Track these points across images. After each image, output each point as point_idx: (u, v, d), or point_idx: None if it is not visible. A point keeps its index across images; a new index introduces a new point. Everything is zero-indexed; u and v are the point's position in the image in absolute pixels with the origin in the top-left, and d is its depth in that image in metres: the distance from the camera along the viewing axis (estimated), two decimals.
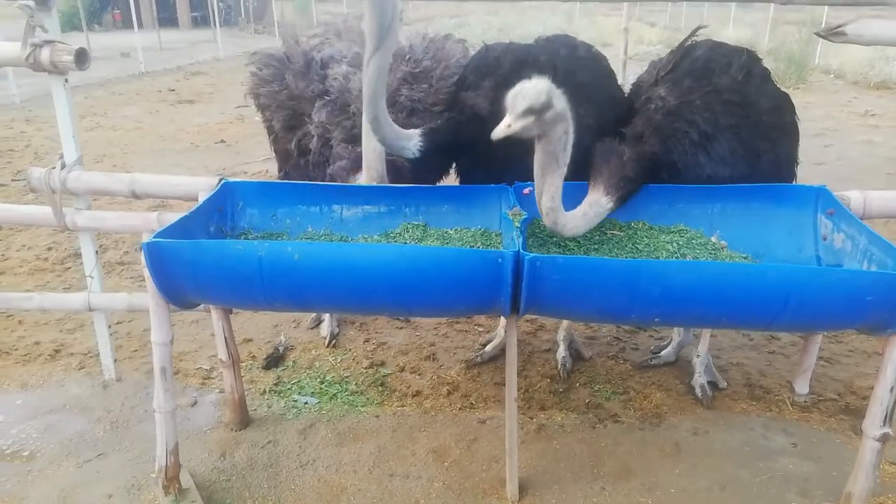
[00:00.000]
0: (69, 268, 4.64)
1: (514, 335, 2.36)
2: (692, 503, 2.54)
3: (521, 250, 2.00)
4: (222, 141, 8.65)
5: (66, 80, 2.72)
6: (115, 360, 3.27)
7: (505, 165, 2.52)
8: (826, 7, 12.88)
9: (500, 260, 1.97)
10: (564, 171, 2.20)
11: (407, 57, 2.99)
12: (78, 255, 4.79)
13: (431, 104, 2.91)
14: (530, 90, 2.01)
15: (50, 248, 4.95)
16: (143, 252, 2.07)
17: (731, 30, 22.94)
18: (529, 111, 2.01)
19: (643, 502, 2.55)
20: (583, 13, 28.49)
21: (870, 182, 6.53)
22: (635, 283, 1.95)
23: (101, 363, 3.27)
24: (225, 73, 15.16)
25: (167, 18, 28.58)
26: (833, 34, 2.29)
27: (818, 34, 2.39)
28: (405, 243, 2.55)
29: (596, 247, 2.49)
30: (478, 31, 20.99)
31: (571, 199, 2.51)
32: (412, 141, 2.44)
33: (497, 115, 2.58)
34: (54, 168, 2.78)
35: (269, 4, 27.31)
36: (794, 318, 1.99)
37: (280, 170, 3.58)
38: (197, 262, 2.05)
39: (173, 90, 12.64)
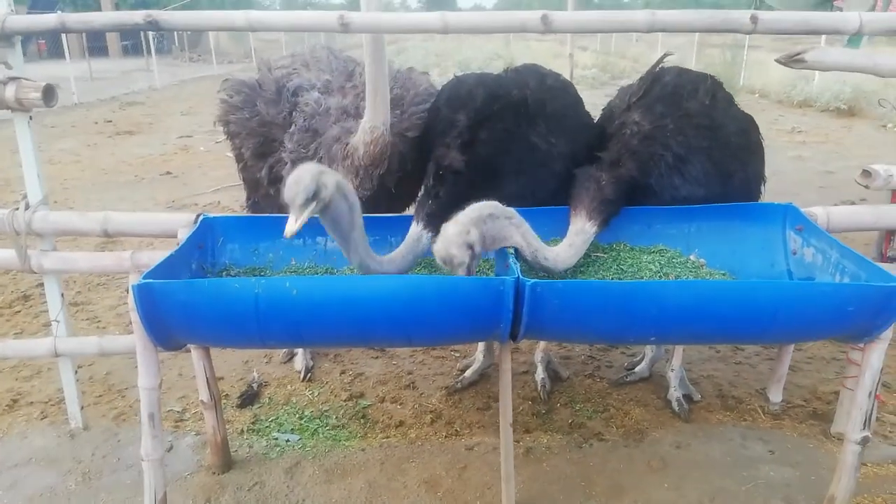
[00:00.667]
0: (18, 311, 4.41)
1: (509, 360, 2.37)
2: None
3: (521, 276, 2.03)
4: (168, 172, 8.41)
5: (31, 118, 2.61)
6: (82, 408, 3.11)
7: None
8: None
9: (501, 287, 1.99)
10: (521, 230, 2.32)
11: None
12: (27, 298, 4.57)
13: (405, 129, 2.94)
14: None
15: None
16: (132, 294, 1.99)
17: (659, 52, 23.99)
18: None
19: None
20: (517, 38, 29.20)
21: (805, 196, 6.89)
22: (633, 305, 2.00)
23: (67, 411, 3.11)
24: (162, 102, 14.81)
25: (96, 47, 27.78)
26: (793, 61, 2.44)
27: (778, 61, 2.53)
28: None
29: (582, 269, 2.54)
30: (418, 56, 21.28)
31: (554, 224, 2.57)
32: (422, 241, 2.52)
33: (472, 165, 2.62)
34: (17, 209, 2.66)
35: (203, 32, 26.91)
36: (782, 330, 2.09)
37: (248, 199, 3.53)
38: (190, 303, 1.99)
39: (110, 121, 12.26)
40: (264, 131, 3.04)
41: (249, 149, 3.12)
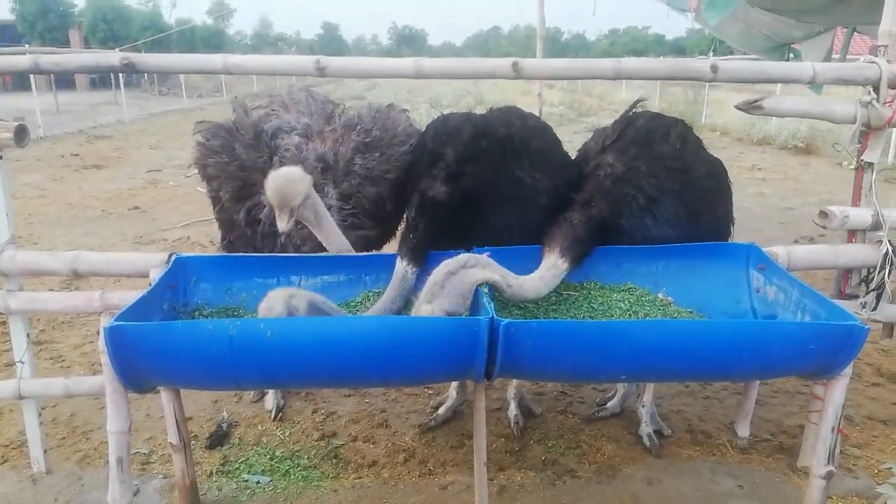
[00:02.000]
0: None
1: (483, 400, 2.39)
2: None
3: (495, 316, 2.06)
4: (136, 207, 8.32)
5: (1, 157, 2.59)
6: (45, 451, 3.02)
7: (469, 235, 2.59)
8: None
9: (476, 327, 2.02)
10: (483, 267, 2.32)
11: (357, 127, 3.05)
12: None
13: (384, 171, 2.98)
14: None
15: None
16: (103, 335, 1.97)
17: (624, 92, 24.66)
18: None
19: None
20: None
21: (767, 231, 7.10)
22: (606, 344, 2.04)
23: (30, 455, 3.01)
24: (131, 136, 14.70)
25: (63, 80, 27.53)
26: (753, 108, 2.55)
27: (738, 107, 2.65)
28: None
29: (554, 307, 2.59)
30: (389, 92, 21.54)
31: (530, 262, 2.62)
32: (407, 278, 2.56)
33: (456, 197, 2.66)
34: None
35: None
36: (748, 367, 2.15)
37: (223, 239, 3.51)
38: (164, 345, 1.97)
39: (77, 155, 12.11)
40: (243, 175, 3.04)
41: (228, 192, 3.11)
